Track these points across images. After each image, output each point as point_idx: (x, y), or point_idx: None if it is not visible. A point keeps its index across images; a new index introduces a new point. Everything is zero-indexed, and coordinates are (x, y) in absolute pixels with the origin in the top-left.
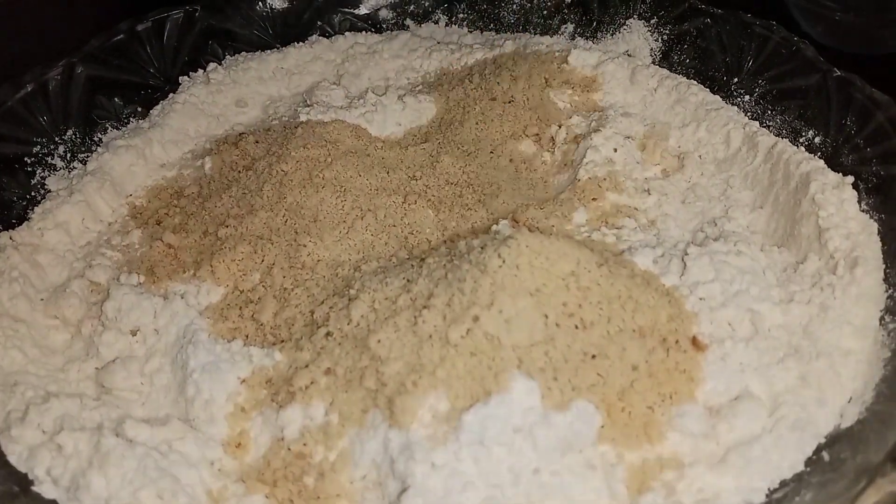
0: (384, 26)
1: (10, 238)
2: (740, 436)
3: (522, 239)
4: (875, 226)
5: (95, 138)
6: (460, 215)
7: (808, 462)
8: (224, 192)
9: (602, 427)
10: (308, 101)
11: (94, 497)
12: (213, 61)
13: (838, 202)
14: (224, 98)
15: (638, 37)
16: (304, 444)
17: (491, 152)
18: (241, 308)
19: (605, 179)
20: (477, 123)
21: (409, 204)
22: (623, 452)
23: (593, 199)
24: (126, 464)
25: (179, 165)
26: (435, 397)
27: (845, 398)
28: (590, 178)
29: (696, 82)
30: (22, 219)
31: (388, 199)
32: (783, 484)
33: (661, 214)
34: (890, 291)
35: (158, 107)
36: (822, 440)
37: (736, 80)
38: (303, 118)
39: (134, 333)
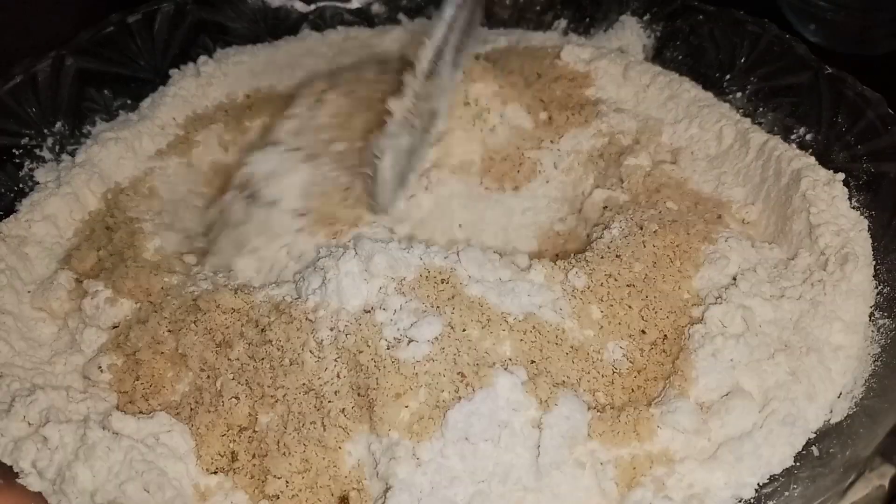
0: (376, 21)
1: None
2: (731, 431)
3: None
4: (865, 222)
5: (84, 130)
6: None
7: (798, 457)
8: None
9: (591, 423)
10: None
11: (80, 490)
12: (204, 54)
13: (829, 199)
14: (214, 91)
15: (631, 33)
16: None
17: None
18: None
19: None
20: None
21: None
22: (613, 449)
23: None
24: (112, 456)
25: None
26: (415, 399)
27: (835, 393)
28: None
29: (688, 79)
30: (9, 211)
31: None
32: (773, 479)
33: None
34: (879, 287)
35: (148, 99)
36: (812, 435)
37: (728, 77)
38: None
39: (116, 326)
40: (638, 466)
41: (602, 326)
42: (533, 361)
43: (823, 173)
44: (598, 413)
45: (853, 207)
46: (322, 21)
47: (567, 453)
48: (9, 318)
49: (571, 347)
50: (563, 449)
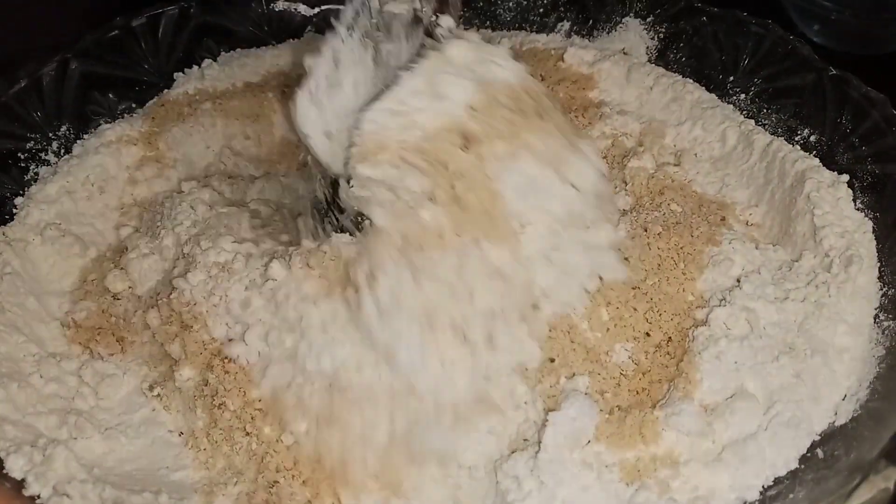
0: None
1: (3, 234)
2: (736, 434)
3: None
4: (870, 224)
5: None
6: None
7: (803, 459)
8: None
9: (598, 426)
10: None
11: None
12: (208, 57)
13: (833, 200)
14: None
15: (634, 35)
16: None
17: None
18: None
19: None
20: None
21: None
22: (618, 451)
23: None
24: None
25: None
26: None
27: (840, 396)
28: None
29: (691, 80)
30: (15, 215)
31: None
32: (777, 481)
33: None
34: (884, 289)
35: (152, 102)
36: (817, 437)
37: (732, 78)
38: None
39: None
40: (643, 469)
41: (609, 329)
42: (552, 359)
43: (828, 175)
44: (606, 416)
45: (858, 209)
46: (326, 24)
47: (567, 453)
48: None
49: (586, 349)
50: (564, 449)
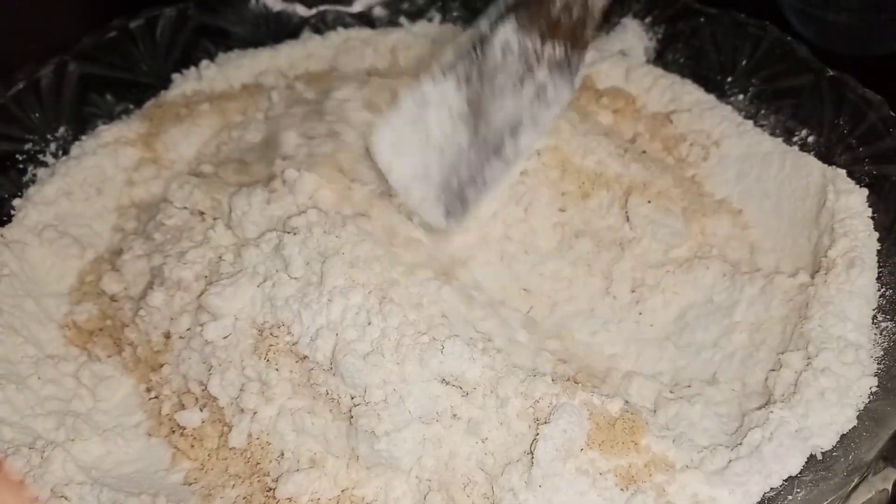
0: (378, 24)
1: (1, 235)
2: None
3: None
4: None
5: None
6: None
7: None
8: None
9: (589, 434)
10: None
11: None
12: (206, 58)
13: None
14: None
15: (632, 36)
16: None
17: None
18: None
19: None
20: None
21: None
22: (612, 458)
23: None
24: None
25: None
26: None
27: None
28: None
29: (690, 81)
30: (13, 216)
31: None
32: None
33: None
34: (882, 290)
35: (150, 103)
36: None
37: (730, 79)
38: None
39: None
40: (637, 474)
41: None
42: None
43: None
44: (596, 423)
45: None
46: (324, 24)
47: (560, 465)
48: (9, 318)
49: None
50: (557, 461)
